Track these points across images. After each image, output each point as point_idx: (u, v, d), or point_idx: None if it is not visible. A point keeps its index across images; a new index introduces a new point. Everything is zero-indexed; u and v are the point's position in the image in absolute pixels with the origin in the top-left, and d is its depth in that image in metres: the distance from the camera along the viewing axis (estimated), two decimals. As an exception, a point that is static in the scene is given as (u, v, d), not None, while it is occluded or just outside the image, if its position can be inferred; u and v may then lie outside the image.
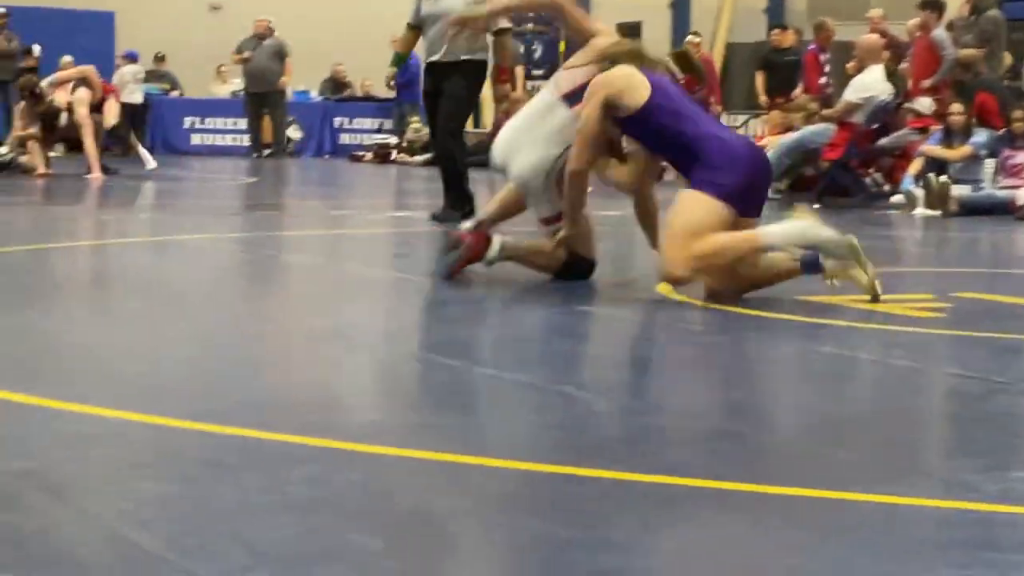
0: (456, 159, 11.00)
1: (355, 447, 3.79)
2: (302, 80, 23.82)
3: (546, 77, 24.52)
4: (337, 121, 24.69)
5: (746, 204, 6.79)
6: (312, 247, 9.84)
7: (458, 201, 10.96)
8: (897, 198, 14.22)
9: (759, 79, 19.22)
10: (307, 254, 9.39)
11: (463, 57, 10.80)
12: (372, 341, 5.84)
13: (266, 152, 22.24)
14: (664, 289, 7.16)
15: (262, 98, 22.17)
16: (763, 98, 19.04)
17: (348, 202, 14.61)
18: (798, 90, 17.62)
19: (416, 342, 6.02)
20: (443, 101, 10.87)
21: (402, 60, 11.65)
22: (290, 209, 13.35)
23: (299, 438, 3.87)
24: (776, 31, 20.27)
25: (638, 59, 7.08)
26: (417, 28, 11.13)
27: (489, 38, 11.05)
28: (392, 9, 25.93)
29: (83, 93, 16.14)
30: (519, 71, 20.54)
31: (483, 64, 11.00)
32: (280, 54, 22.18)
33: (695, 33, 20.99)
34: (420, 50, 11.56)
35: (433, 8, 10.81)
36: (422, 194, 13.58)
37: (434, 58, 10.94)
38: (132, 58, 23.27)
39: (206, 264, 8.68)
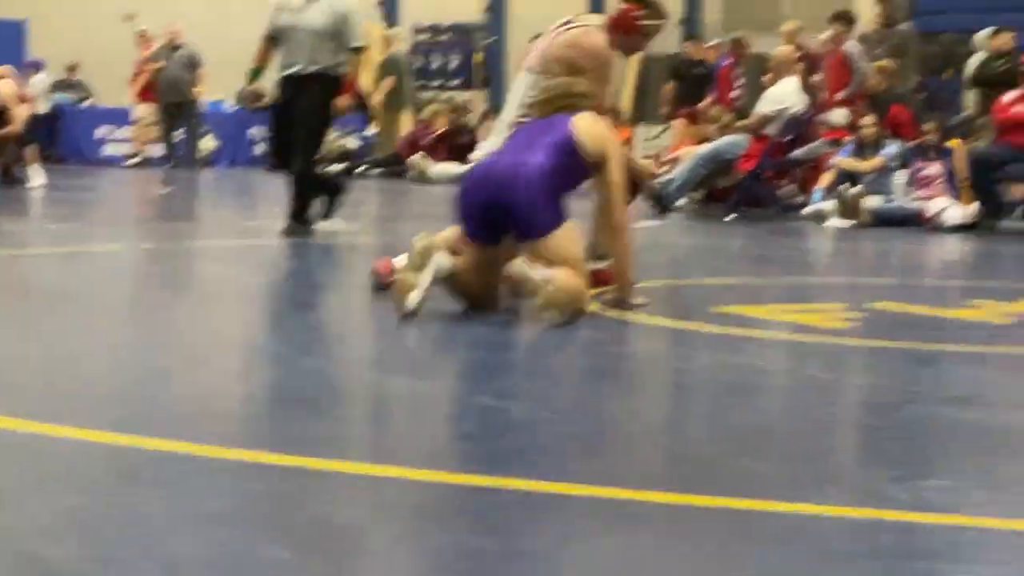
0: (313, 175, 10.79)
1: (266, 458, 3.75)
2: (217, 90, 23.66)
3: (463, 87, 24.57)
4: (253, 132, 24.53)
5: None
6: (224, 257, 9.77)
7: (303, 213, 10.79)
8: (810, 209, 14.32)
9: (666, 90, 19.30)
10: (219, 264, 9.32)
11: (322, 71, 10.66)
12: (284, 352, 5.79)
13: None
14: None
15: (175, 108, 21.98)
16: (664, 109, 19.14)
17: (261, 212, 14.52)
18: (707, 101, 17.69)
19: (330, 353, 5.98)
20: (302, 115, 10.58)
21: (259, 74, 11.30)
22: (203, 220, 13.25)
23: (210, 450, 3.82)
24: (687, 43, 20.40)
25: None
26: (273, 40, 10.88)
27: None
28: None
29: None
30: (387, 82, 20.77)
31: (340, 79, 10.74)
32: (192, 64, 22.01)
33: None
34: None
35: (292, 20, 10.59)
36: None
37: (292, 71, 10.71)
38: (37, 67, 23.00)
39: (116, 275, 8.59)
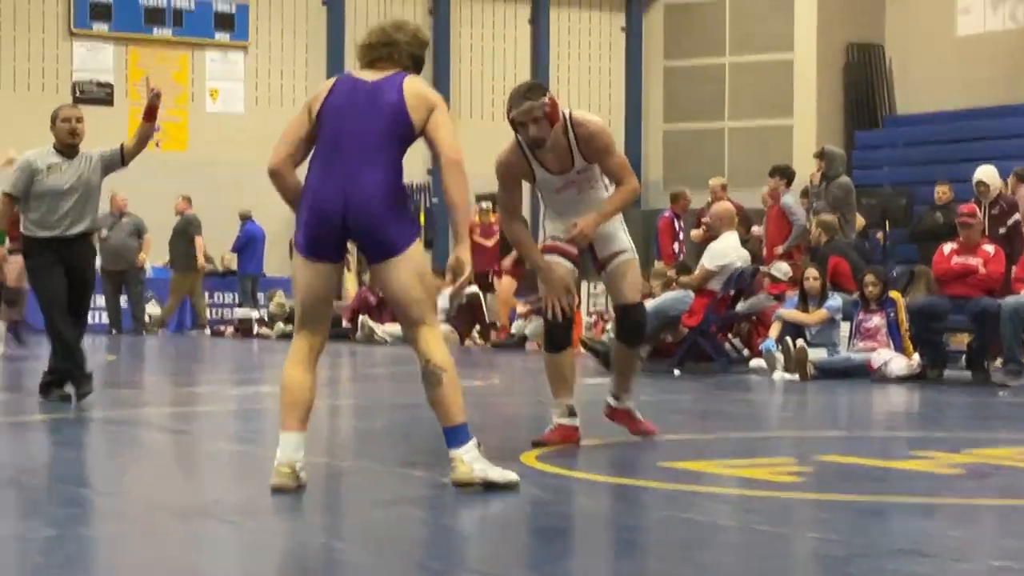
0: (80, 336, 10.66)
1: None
2: (160, 255, 23.71)
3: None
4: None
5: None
6: (170, 423, 9.72)
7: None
8: (756, 362, 14.39)
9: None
10: (164, 431, 9.27)
11: (89, 230, 10.54)
12: (232, 517, 5.75)
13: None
14: (527, 459, 7.16)
15: (120, 275, 22.01)
16: None
17: (205, 377, 14.49)
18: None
19: (273, 518, 5.92)
20: (81, 276, 10.43)
21: (3, 236, 11.06)
22: (148, 386, 13.18)
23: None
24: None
25: None
26: (16, 199, 10.45)
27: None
28: (251, 184, 26.13)
29: None
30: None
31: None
32: (138, 231, 22.11)
33: (486, 198, 21.66)
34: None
35: (57, 182, 10.28)
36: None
37: (58, 232, 10.31)
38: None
39: (63, 443, 8.52)
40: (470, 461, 6.13)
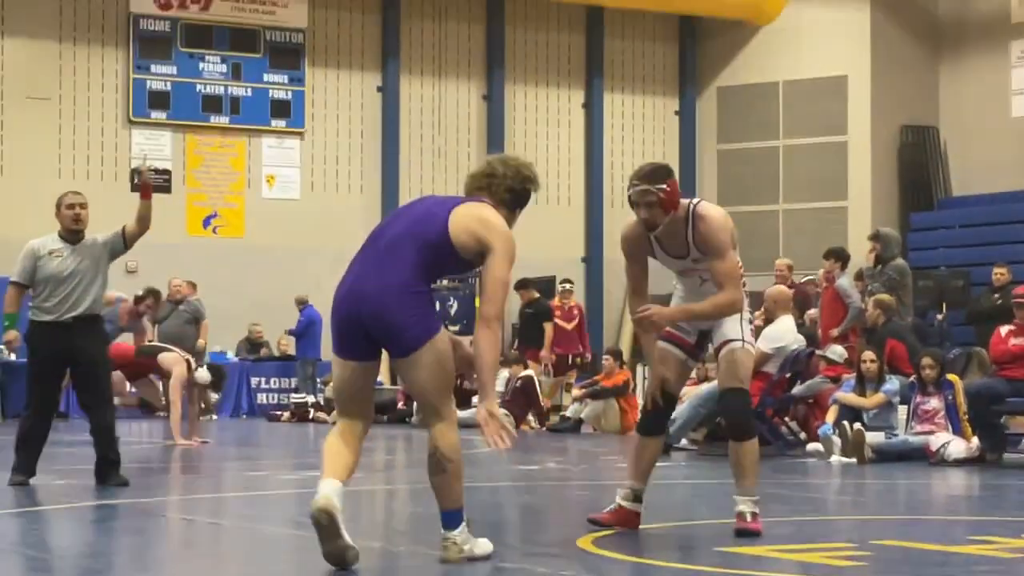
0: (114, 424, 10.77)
1: None
2: (218, 340, 23.83)
3: (463, 332, 24.72)
4: (255, 381, 24.66)
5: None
6: (230, 509, 9.75)
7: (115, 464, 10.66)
8: (813, 446, 14.33)
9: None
10: (226, 516, 9.30)
11: (91, 313, 10.64)
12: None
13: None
14: (583, 543, 7.15)
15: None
16: None
17: (263, 463, 14.53)
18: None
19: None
20: (88, 357, 10.56)
21: (14, 320, 11.27)
22: (208, 471, 13.23)
23: None
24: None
25: None
26: (25, 287, 10.71)
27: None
28: (304, 270, 26.42)
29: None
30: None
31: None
32: (196, 317, 22.20)
33: (568, 281, 21.83)
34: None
35: (62, 267, 10.47)
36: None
37: (72, 315, 10.47)
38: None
39: (125, 529, 8.56)
40: (462, 542, 6.50)
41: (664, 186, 7.44)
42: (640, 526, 7.76)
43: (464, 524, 6.54)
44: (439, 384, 6.47)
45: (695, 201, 7.61)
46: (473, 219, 6.52)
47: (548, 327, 21.25)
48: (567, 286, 21.43)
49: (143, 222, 10.59)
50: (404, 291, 6.40)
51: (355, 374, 6.58)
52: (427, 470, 6.51)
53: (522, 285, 21.99)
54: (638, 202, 7.50)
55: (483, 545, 6.62)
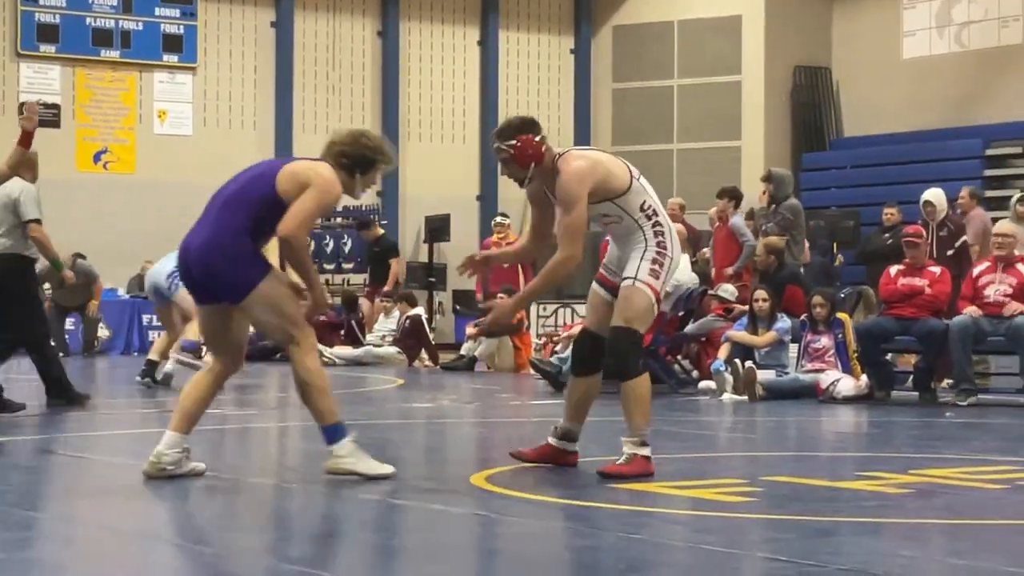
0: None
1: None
2: (110, 278, 23.59)
3: (357, 269, 24.66)
4: (146, 319, 24.44)
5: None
6: (118, 446, 9.66)
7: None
8: (705, 384, 14.43)
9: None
10: (113, 454, 9.21)
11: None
12: (180, 541, 5.73)
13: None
14: (477, 481, 7.16)
15: (68, 308, 22.25)
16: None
17: (155, 400, 14.39)
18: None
19: (216, 541, 5.90)
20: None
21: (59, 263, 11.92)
22: (97, 408, 13.09)
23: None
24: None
25: None
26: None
27: None
28: (197, 206, 25.95)
29: None
30: None
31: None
32: (90, 277, 22.11)
33: (503, 215, 21.29)
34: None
35: None
36: (232, 390, 13.42)
37: None
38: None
39: (5, 467, 8.45)
40: (344, 454, 7.07)
41: (513, 142, 7.45)
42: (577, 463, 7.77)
43: (348, 440, 7.08)
44: (277, 319, 7.10)
45: (561, 152, 7.57)
46: (301, 167, 7.21)
47: (394, 263, 21.39)
48: (503, 220, 20.68)
49: (14, 169, 10.60)
50: (225, 248, 7.09)
51: (209, 317, 7.31)
52: (298, 395, 7.17)
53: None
54: (496, 158, 7.61)
55: (371, 465, 7.08)
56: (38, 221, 11.46)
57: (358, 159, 7.28)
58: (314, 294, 7.28)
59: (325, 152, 7.31)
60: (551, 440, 7.80)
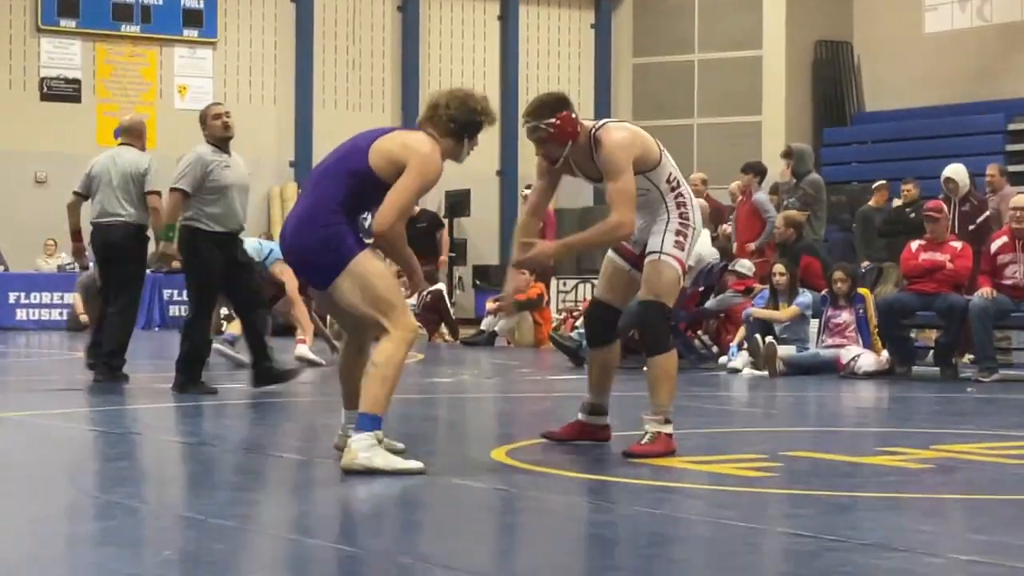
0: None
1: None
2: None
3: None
4: (167, 293, 24.49)
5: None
6: (144, 419, 9.69)
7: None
8: (725, 359, 14.42)
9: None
10: (138, 427, 9.24)
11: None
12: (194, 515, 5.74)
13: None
14: (497, 455, 7.17)
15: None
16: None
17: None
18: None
19: (229, 514, 5.92)
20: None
21: (172, 230, 11.51)
22: (119, 383, 13.12)
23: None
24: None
25: None
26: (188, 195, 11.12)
27: None
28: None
29: None
30: None
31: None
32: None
33: (530, 187, 21.27)
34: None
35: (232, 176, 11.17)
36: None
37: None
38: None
39: (29, 440, 8.48)
40: (360, 448, 6.53)
41: (553, 120, 7.30)
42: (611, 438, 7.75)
43: (372, 434, 6.55)
44: (368, 302, 6.67)
45: (598, 124, 7.48)
46: (395, 143, 6.77)
47: (442, 233, 21.51)
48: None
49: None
50: (314, 227, 6.72)
51: (321, 300, 7.36)
52: None
53: None
54: (531, 138, 7.44)
55: (389, 460, 6.55)
56: (159, 193, 11.57)
57: (467, 124, 6.91)
58: (413, 280, 7.05)
59: (427, 118, 6.89)
60: (581, 416, 7.77)
